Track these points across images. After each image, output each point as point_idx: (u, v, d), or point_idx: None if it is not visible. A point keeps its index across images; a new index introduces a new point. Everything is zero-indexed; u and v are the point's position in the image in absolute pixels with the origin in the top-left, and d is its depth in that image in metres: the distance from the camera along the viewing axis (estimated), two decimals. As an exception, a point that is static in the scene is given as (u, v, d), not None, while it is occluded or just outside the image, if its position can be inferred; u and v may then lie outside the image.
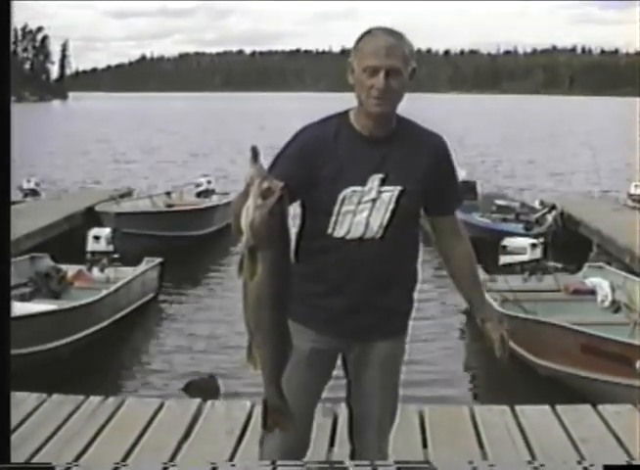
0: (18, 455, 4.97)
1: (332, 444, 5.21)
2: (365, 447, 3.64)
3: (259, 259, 2.84)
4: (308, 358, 3.44)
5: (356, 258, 3.36)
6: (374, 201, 3.35)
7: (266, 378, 3.03)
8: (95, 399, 6.06)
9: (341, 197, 3.33)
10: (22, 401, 5.93)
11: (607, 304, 10.19)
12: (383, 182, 3.35)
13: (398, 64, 3.26)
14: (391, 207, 3.36)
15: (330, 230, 3.37)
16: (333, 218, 3.35)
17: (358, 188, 3.33)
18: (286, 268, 2.93)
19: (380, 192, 3.35)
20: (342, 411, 5.62)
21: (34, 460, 5.08)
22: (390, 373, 3.60)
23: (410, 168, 3.38)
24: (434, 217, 3.57)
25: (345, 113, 3.43)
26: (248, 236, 2.84)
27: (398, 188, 3.35)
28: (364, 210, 3.34)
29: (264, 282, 2.87)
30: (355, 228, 3.35)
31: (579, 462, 4.59)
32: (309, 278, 3.40)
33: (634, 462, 4.54)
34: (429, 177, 3.41)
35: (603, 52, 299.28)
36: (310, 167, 3.31)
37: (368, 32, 3.33)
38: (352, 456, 3.69)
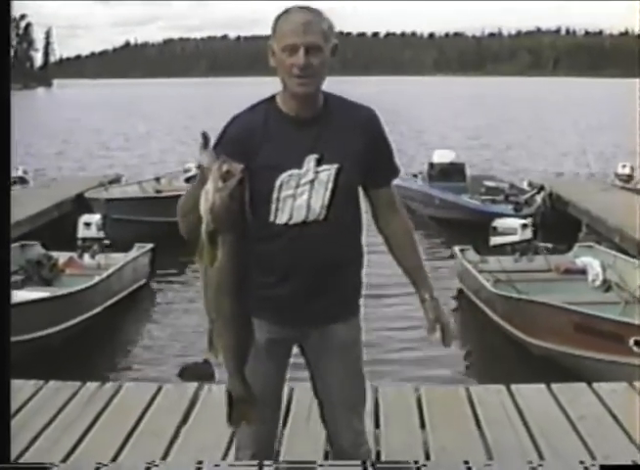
0: (16, 443, 4.97)
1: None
2: (340, 435, 3.59)
3: (220, 244, 2.82)
4: (266, 349, 3.39)
5: (302, 242, 3.32)
6: (312, 182, 3.30)
7: (229, 368, 2.99)
8: (92, 385, 6.06)
9: (278, 183, 3.28)
10: (19, 389, 5.91)
11: (598, 283, 10.25)
12: (319, 162, 3.30)
13: (317, 40, 3.22)
14: (330, 186, 3.31)
15: (272, 218, 3.31)
16: (273, 205, 3.30)
17: (295, 171, 3.28)
18: (245, 252, 2.91)
19: (317, 172, 3.30)
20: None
21: (34, 447, 5.08)
22: (351, 357, 3.55)
23: (344, 145, 3.34)
24: (371, 191, 3.52)
25: (273, 97, 3.39)
26: (207, 220, 2.80)
27: (335, 166, 3.31)
28: (303, 192, 3.30)
29: (225, 267, 2.84)
30: (297, 212, 3.31)
31: (581, 462, 4.60)
32: (256, 269, 3.28)
33: (631, 463, 4.53)
34: (363, 151, 3.37)
35: (587, 33, 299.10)
36: (244, 157, 3.18)
37: (285, 11, 3.29)
38: (330, 441, 3.66)
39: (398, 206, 3.58)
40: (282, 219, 3.31)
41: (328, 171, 3.31)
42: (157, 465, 3.64)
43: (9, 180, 3.51)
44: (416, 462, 3.73)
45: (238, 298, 2.90)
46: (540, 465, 4.04)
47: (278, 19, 3.29)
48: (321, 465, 3.42)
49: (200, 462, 4.10)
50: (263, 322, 3.33)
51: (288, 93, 3.31)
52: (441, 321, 3.51)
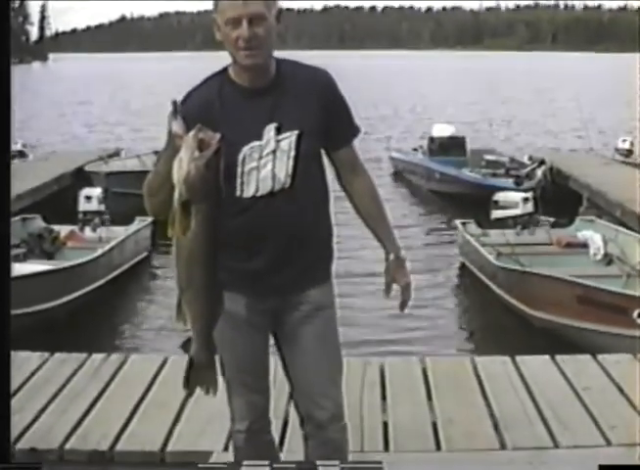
0: (23, 415, 5.01)
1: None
2: (317, 407, 3.52)
3: (193, 214, 2.81)
4: (245, 321, 3.39)
5: (271, 212, 3.30)
6: (274, 152, 3.28)
7: (196, 334, 2.99)
8: (98, 357, 6.08)
9: (241, 156, 3.25)
10: (24, 361, 5.96)
11: (599, 256, 10.26)
12: (278, 131, 3.28)
13: (260, 9, 3.15)
14: (293, 153, 3.29)
15: (238, 192, 3.28)
16: (238, 180, 3.27)
17: (256, 143, 3.26)
18: (217, 223, 2.90)
19: (278, 141, 3.28)
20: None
21: (41, 418, 5.10)
22: (327, 321, 3.53)
23: (302, 111, 3.31)
24: (332, 153, 3.47)
25: (225, 70, 3.35)
26: (181, 190, 2.79)
27: (295, 133, 3.29)
28: (267, 163, 3.27)
29: (197, 237, 2.84)
30: (263, 184, 3.29)
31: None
32: (227, 244, 3.21)
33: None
34: (320, 114, 3.34)
35: (586, 8, 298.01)
36: None
37: None
38: (302, 419, 3.60)
39: (361, 166, 3.53)
40: (249, 192, 3.29)
41: (288, 139, 3.29)
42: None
43: (9, 154, 3.48)
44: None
45: (209, 267, 2.91)
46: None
47: None
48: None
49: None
50: (239, 295, 3.33)
51: (238, 65, 3.27)
52: (400, 283, 3.49)
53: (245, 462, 3.54)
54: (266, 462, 3.47)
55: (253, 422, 3.58)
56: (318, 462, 3.46)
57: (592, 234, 10.66)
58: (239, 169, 3.26)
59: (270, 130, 3.28)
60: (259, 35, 3.16)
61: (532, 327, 8.87)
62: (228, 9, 3.16)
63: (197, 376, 3.08)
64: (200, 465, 3.59)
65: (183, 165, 2.78)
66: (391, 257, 3.51)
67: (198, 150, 2.78)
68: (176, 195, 2.81)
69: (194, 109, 3.18)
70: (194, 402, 5.26)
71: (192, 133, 2.80)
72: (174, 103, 2.91)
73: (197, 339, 3.00)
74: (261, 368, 3.56)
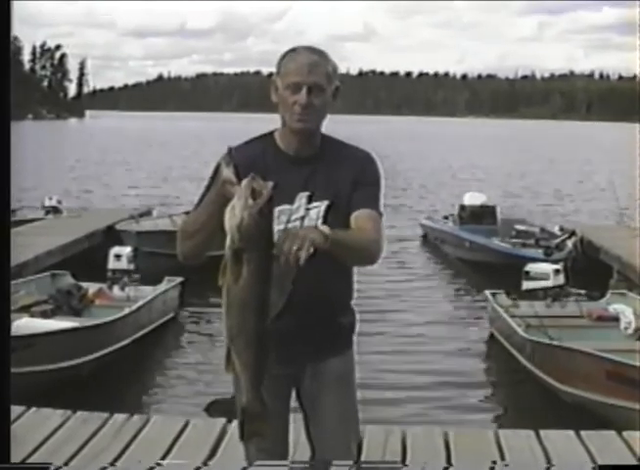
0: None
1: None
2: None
3: (245, 262, 2.81)
4: (264, 387, 3.27)
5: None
6: (302, 219, 3.35)
7: (247, 383, 2.97)
8: (120, 417, 6.06)
9: None
10: (46, 418, 5.95)
11: (630, 331, 10.12)
12: (310, 200, 3.36)
13: (321, 80, 3.28)
14: (320, 222, 3.33)
15: None
16: None
17: (286, 207, 3.33)
18: (269, 270, 2.89)
19: (307, 209, 3.35)
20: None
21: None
22: (346, 390, 3.55)
23: (336, 184, 3.37)
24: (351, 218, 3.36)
25: (271, 133, 3.44)
26: (233, 237, 2.80)
27: (325, 203, 3.35)
28: (294, 228, 3.30)
29: (250, 285, 2.83)
30: None
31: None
32: None
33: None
34: (352, 188, 3.38)
35: (621, 78, 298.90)
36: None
37: (292, 50, 3.35)
38: None
39: (372, 228, 3.31)
40: None
41: (317, 209, 3.35)
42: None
43: (9, 199, 3.47)
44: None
45: (261, 314, 2.90)
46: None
47: (284, 56, 3.34)
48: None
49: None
50: None
51: (287, 129, 3.36)
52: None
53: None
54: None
55: None
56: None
57: (624, 308, 10.52)
58: None
59: (302, 198, 3.35)
60: (315, 105, 3.28)
61: (562, 402, 8.76)
62: (292, 73, 3.27)
63: (251, 427, 3.05)
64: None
65: (236, 213, 2.79)
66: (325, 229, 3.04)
67: (251, 198, 2.79)
68: (228, 242, 2.82)
69: (237, 164, 3.23)
70: (214, 466, 5.24)
71: (246, 182, 2.82)
72: (229, 149, 2.94)
73: (249, 389, 2.97)
74: (278, 433, 3.53)
